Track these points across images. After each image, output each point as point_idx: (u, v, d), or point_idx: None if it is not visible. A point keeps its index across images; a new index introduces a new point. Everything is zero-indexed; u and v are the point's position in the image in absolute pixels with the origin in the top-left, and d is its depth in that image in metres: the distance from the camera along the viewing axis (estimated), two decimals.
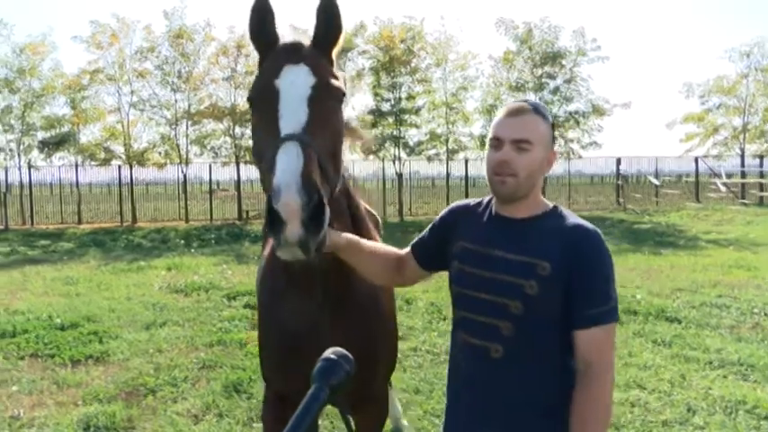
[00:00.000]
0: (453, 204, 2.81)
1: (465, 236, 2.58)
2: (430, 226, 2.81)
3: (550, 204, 2.54)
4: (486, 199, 2.66)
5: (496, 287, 2.40)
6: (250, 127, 2.44)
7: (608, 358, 2.32)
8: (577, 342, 2.32)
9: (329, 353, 1.64)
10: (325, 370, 1.59)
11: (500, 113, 2.51)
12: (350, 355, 1.64)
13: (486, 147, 2.51)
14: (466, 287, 2.51)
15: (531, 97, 29.21)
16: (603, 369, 2.30)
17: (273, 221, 2.04)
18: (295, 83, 2.39)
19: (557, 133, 28.97)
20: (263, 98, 2.38)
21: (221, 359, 7.23)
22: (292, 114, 2.29)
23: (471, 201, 2.74)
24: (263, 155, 2.25)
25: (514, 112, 2.45)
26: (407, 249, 2.86)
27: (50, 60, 29.13)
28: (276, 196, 2.01)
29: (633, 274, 12.40)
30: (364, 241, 2.78)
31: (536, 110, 2.47)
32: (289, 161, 2.12)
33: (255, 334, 8.09)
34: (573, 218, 2.47)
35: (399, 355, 7.23)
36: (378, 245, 2.89)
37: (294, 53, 2.48)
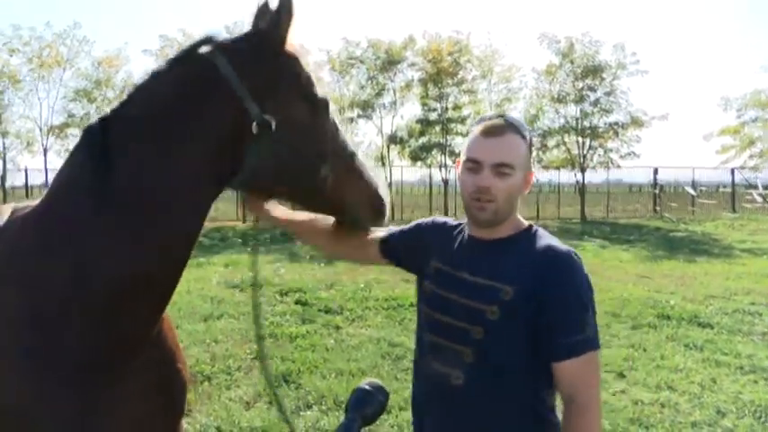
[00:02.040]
0: (436, 218, 2.55)
1: (439, 256, 2.32)
2: (409, 228, 2.55)
3: (525, 224, 2.27)
4: (464, 221, 2.36)
5: (459, 311, 2.15)
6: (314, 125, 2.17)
7: (590, 391, 2.03)
8: (555, 375, 2.05)
9: (364, 384, 1.62)
10: (360, 401, 1.58)
11: (475, 131, 2.21)
12: (385, 387, 1.63)
13: (461, 167, 2.22)
14: (434, 309, 2.25)
15: (572, 109, 29.00)
16: (586, 403, 2.00)
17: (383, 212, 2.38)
18: None
19: (596, 144, 28.93)
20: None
21: (273, 351, 7.29)
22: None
23: (452, 220, 2.48)
24: (336, 156, 2.20)
25: (493, 132, 2.16)
26: (374, 237, 2.54)
27: (123, 72, 29.95)
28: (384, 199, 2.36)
29: (667, 281, 12.19)
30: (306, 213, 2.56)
31: (514, 128, 2.19)
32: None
33: (306, 328, 8.27)
34: (546, 239, 2.19)
35: None
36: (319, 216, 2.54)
37: None
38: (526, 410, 2.12)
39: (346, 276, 11.71)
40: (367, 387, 1.61)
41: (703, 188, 35.52)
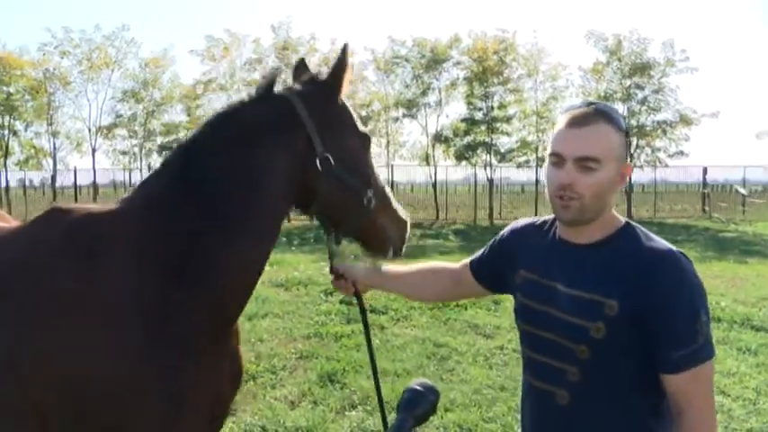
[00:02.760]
0: (514, 224, 2.40)
1: (525, 263, 2.19)
2: (489, 244, 2.45)
3: (622, 221, 2.06)
4: (551, 218, 2.21)
5: (560, 327, 2.00)
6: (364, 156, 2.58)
7: (703, 403, 1.87)
8: (666, 387, 1.89)
9: (415, 383, 1.61)
10: (411, 401, 1.57)
11: (561, 122, 2.02)
12: (435, 387, 1.62)
13: (546, 162, 2.05)
14: (530, 324, 2.13)
15: (620, 108, 28.52)
16: (698, 416, 1.85)
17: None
18: None
19: (643, 142, 28.49)
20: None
21: (317, 350, 7.30)
22: None
23: (534, 219, 2.31)
24: (376, 184, 2.60)
25: (578, 122, 1.95)
26: (464, 263, 2.55)
27: (170, 72, 30.47)
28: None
29: (717, 282, 11.90)
30: (401, 267, 2.71)
31: (605, 116, 1.96)
32: None
33: (351, 328, 8.26)
34: (647, 239, 1.97)
35: (486, 353, 7.20)
36: (419, 265, 2.72)
37: None
38: (640, 426, 1.97)
39: None
40: (418, 387, 1.60)
41: (754, 188, 34.74)
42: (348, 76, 2.53)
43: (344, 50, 2.52)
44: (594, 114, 1.95)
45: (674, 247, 1.94)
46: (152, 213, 2.27)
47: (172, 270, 2.20)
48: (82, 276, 2.16)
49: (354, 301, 2.78)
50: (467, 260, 2.55)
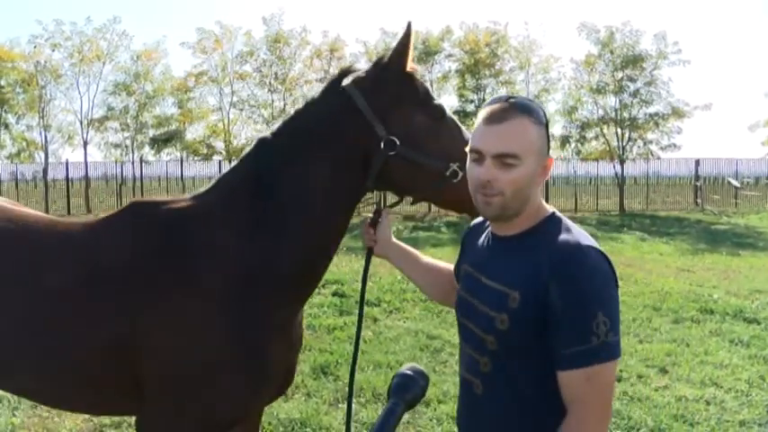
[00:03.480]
0: (470, 223, 2.42)
1: (468, 258, 2.23)
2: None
3: (548, 212, 2.03)
4: None
5: (477, 318, 2.01)
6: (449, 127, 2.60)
7: (591, 407, 1.80)
8: (559, 385, 1.83)
9: (405, 368, 1.64)
10: (401, 386, 1.59)
11: (480, 117, 1.98)
12: (425, 371, 1.64)
13: (468, 158, 2.03)
14: (460, 315, 2.15)
15: (612, 100, 28.60)
16: (580, 420, 1.80)
17: None
18: None
19: (636, 135, 28.54)
20: None
21: (310, 342, 7.28)
22: None
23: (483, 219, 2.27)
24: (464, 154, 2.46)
25: (496, 118, 1.91)
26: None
27: (161, 65, 30.37)
28: None
29: (710, 274, 11.95)
30: (422, 256, 2.69)
31: (523, 110, 1.92)
32: None
33: (344, 320, 8.26)
34: (564, 232, 1.93)
35: None
36: (438, 262, 2.69)
37: None
38: (537, 423, 1.91)
39: (384, 268, 11.69)
40: (408, 372, 1.63)
41: (747, 180, 34.86)
42: (409, 53, 2.57)
43: (408, 28, 2.55)
44: (513, 109, 1.92)
45: (590, 243, 1.90)
46: (227, 210, 2.57)
47: (249, 261, 2.50)
48: (178, 270, 2.51)
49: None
50: None
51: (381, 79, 2.56)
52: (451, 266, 2.57)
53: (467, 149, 2.02)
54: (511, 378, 1.95)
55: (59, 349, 2.56)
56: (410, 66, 2.59)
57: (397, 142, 2.47)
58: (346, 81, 2.57)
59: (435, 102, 2.60)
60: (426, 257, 2.70)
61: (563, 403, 1.84)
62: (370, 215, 2.71)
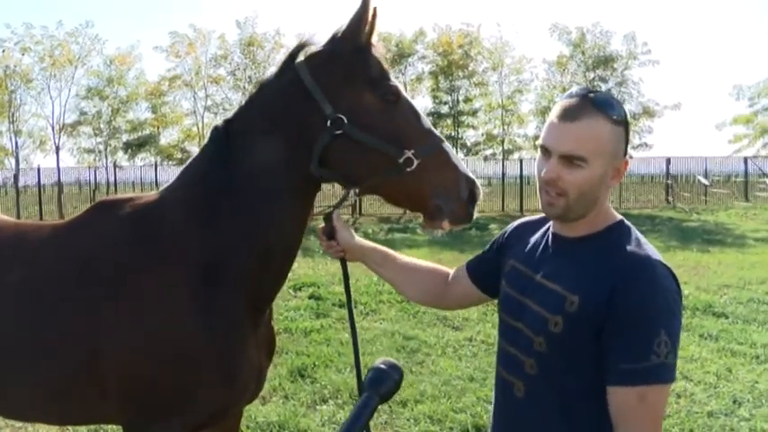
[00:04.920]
0: (519, 220, 2.32)
1: (516, 254, 2.13)
2: (491, 243, 2.38)
3: (617, 218, 1.95)
4: None
5: (527, 317, 1.95)
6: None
7: (642, 427, 1.74)
8: (609, 400, 1.77)
9: (379, 362, 1.65)
10: (375, 380, 1.60)
11: (554, 111, 1.90)
12: (398, 365, 1.65)
13: (537, 152, 1.96)
14: (505, 312, 2.09)
15: None
16: None
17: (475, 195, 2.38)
18: None
19: None
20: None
21: (287, 345, 7.30)
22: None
23: (540, 216, 2.18)
24: (418, 142, 2.35)
25: (569, 115, 1.83)
26: (460, 266, 2.46)
27: (135, 70, 30.16)
28: (477, 183, 2.40)
29: (681, 271, 12.06)
30: (399, 255, 2.56)
31: (600, 107, 1.82)
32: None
33: (320, 322, 8.28)
34: (633, 242, 1.86)
35: (455, 344, 7.28)
36: (417, 260, 2.60)
37: None
38: (585, 425, 1.87)
39: (360, 270, 11.72)
40: (382, 366, 1.63)
41: (716, 177, 35.33)
42: (365, 26, 2.36)
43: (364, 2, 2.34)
44: (589, 106, 1.82)
45: (659, 258, 1.84)
46: (186, 202, 2.51)
47: (213, 258, 2.43)
48: (142, 267, 2.45)
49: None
50: (460, 266, 2.47)
51: (333, 55, 2.39)
52: (435, 265, 2.55)
53: (538, 142, 1.94)
54: (556, 383, 1.89)
55: (29, 355, 2.50)
56: (373, 42, 2.41)
57: (345, 121, 2.29)
58: (300, 57, 2.44)
59: (391, 82, 2.40)
60: (405, 257, 2.60)
61: (607, 415, 1.78)
62: (321, 224, 2.59)
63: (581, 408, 1.86)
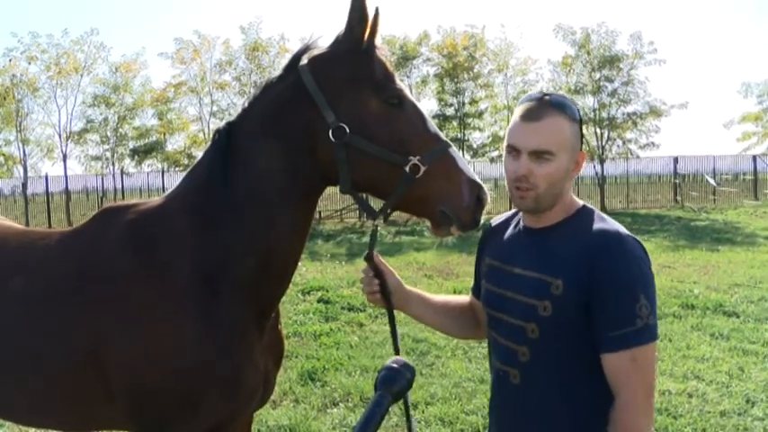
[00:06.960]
0: (491, 221, 2.42)
1: (490, 253, 2.27)
2: (476, 258, 2.45)
3: (579, 204, 2.14)
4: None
5: (514, 308, 2.07)
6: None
7: (638, 386, 1.90)
8: (604, 368, 1.93)
9: (390, 362, 1.66)
10: (388, 378, 1.61)
11: (516, 114, 2.08)
12: (410, 364, 1.67)
13: (504, 152, 2.12)
14: (491, 307, 2.20)
15: (590, 101, 28.74)
16: (632, 399, 1.89)
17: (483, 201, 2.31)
18: None
19: (614, 134, 28.72)
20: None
21: (297, 349, 7.32)
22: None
23: (508, 214, 2.34)
24: (424, 147, 2.27)
25: (532, 115, 2.01)
26: (469, 294, 2.53)
27: (141, 77, 30.18)
28: (483, 188, 2.32)
29: (690, 270, 12.09)
30: (428, 295, 2.51)
31: (558, 108, 2.02)
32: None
33: (329, 326, 8.28)
34: (599, 221, 2.04)
35: (465, 346, 7.26)
36: (444, 297, 2.59)
37: None
38: (587, 407, 2.00)
39: None
40: (394, 365, 1.65)
41: (724, 176, 35.21)
42: (367, 27, 2.29)
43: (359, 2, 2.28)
44: (548, 107, 2.02)
45: (624, 230, 2.01)
46: (188, 207, 2.48)
47: (214, 264, 2.40)
48: (144, 273, 2.42)
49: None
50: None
51: (335, 57, 2.34)
52: (457, 298, 2.58)
53: (504, 145, 2.10)
54: (552, 365, 2.03)
55: (29, 361, 2.51)
56: (377, 44, 2.35)
57: (347, 130, 2.24)
58: (304, 60, 2.39)
59: (396, 85, 2.33)
60: (436, 296, 2.56)
61: (604, 385, 1.95)
62: (366, 271, 2.40)
63: (579, 386, 2.01)
